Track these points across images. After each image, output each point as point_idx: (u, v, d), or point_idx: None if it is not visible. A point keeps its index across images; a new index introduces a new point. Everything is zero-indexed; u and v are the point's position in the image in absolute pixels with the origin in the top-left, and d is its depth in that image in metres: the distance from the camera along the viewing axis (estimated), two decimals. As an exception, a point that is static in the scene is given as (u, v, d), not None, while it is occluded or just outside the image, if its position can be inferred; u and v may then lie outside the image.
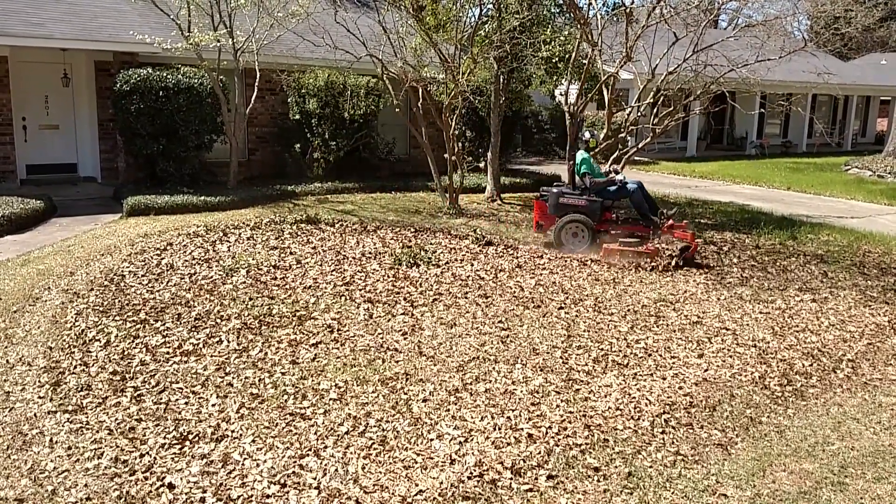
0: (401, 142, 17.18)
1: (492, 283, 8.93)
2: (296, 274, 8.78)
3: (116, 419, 5.33)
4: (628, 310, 8.26)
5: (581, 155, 10.92)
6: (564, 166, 12.33)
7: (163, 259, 9.04)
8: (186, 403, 5.62)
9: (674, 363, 6.85)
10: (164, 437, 5.10)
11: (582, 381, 6.35)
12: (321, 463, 4.87)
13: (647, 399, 6.05)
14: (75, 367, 6.14)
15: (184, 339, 6.76)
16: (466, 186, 14.30)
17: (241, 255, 9.33)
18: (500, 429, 5.41)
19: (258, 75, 13.77)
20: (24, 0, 13.40)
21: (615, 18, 13.36)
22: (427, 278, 8.93)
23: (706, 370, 6.73)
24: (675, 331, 7.69)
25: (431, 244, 10.46)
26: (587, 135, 11.01)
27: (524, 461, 4.99)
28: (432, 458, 4.97)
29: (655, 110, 12.42)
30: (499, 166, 15.10)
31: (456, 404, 5.77)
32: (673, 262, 9.91)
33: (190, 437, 5.14)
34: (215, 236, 10.13)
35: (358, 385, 6.02)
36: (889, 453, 5.34)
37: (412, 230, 11.22)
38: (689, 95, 12.76)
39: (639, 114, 12.08)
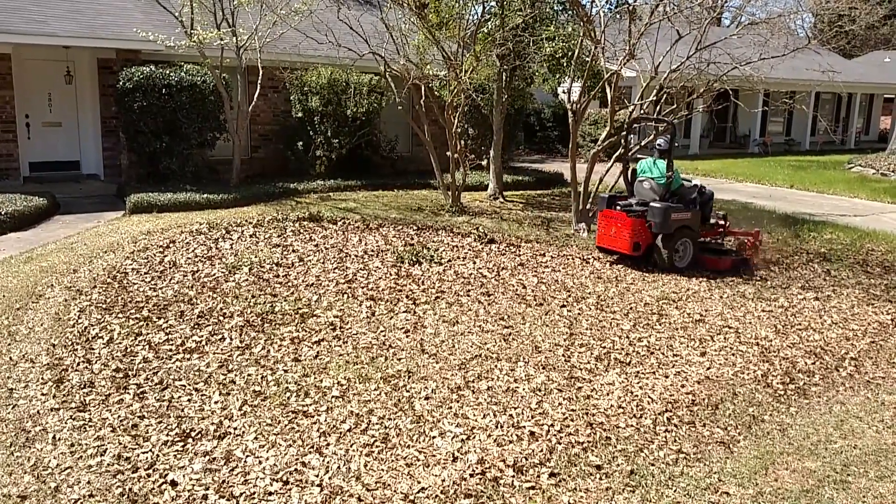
0: (403, 139, 17.17)
1: (494, 281, 8.93)
2: (298, 271, 8.78)
3: (119, 416, 5.34)
4: (631, 308, 8.25)
5: (655, 163, 10.14)
6: (567, 164, 12.29)
7: (165, 256, 9.05)
8: (189, 401, 5.63)
9: (676, 361, 6.85)
10: (167, 435, 5.11)
11: (584, 379, 6.35)
12: (323, 460, 4.88)
13: (649, 397, 6.05)
14: (78, 364, 6.15)
15: (186, 337, 6.77)
16: (469, 184, 14.29)
17: (243, 252, 9.34)
18: (502, 426, 5.42)
19: (261, 73, 13.76)
20: (27, -3, 13.42)
21: (618, 16, 13.33)
22: (429, 276, 8.93)
23: (709, 368, 6.72)
24: (677, 329, 7.69)
25: (434, 242, 10.46)
26: (661, 142, 10.19)
27: (526, 459, 4.99)
28: (434, 456, 4.98)
29: (658, 108, 12.39)
30: (501, 164, 15.08)
31: (458, 402, 5.78)
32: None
33: (192, 434, 5.15)
34: (218, 234, 10.14)
35: (360, 383, 6.02)
36: (892, 452, 5.34)
37: (414, 228, 11.22)
38: (692, 93, 12.73)
39: (642, 111, 12.04)
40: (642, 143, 12.02)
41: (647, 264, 9.92)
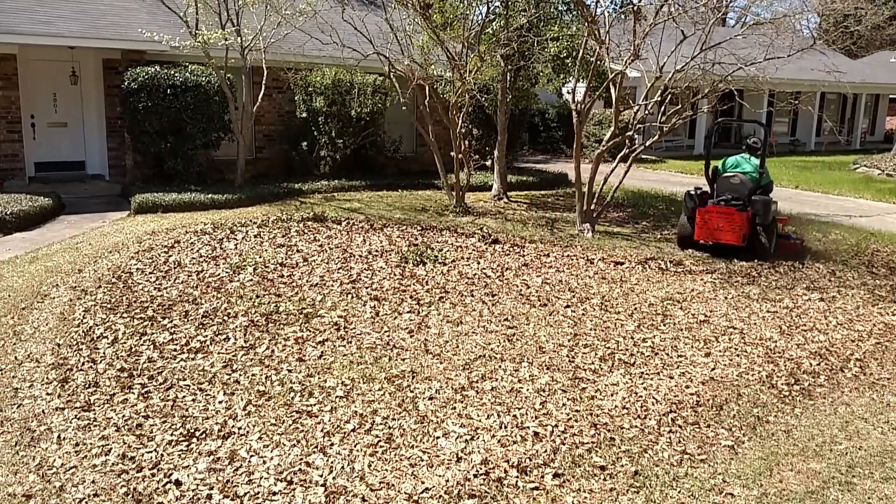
0: (407, 140, 17.18)
1: (498, 282, 8.92)
2: (303, 272, 8.79)
3: (124, 416, 5.35)
4: (635, 308, 8.24)
5: (749, 159, 10.91)
6: (571, 164, 12.31)
7: (170, 256, 9.07)
8: (193, 400, 5.64)
9: (681, 362, 6.83)
10: (172, 434, 5.12)
11: (588, 379, 6.34)
12: (327, 460, 4.88)
13: (653, 398, 6.04)
14: (83, 363, 6.17)
15: (191, 337, 6.78)
16: (473, 185, 14.29)
17: (248, 252, 9.35)
18: (506, 427, 5.41)
19: (265, 73, 13.79)
20: (33, -2, 13.46)
21: (622, 16, 13.31)
22: (433, 276, 8.93)
23: (713, 369, 6.71)
24: (682, 329, 7.68)
25: (438, 242, 10.46)
26: (755, 140, 11.16)
27: (530, 459, 4.99)
28: (438, 456, 4.98)
29: (663, 108, 12.37)
30: (505, 164, 15.08)
31: (462, 402, 5.77)
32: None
33: (197, 434, 5.15)
34: (223, 234, 10.15)
35: (364, 383, 6.02)
36: (897, 453, 5.32)
37: (419, 228, 11.22)
38: (697, 93, 12.70)
39: (646, 112, 12.03)
40: (646, 144, 12.00)
41: (746, 255, 10.54)
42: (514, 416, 5.58)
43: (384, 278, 8.73)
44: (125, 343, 6.58)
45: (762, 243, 10.48)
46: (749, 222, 10.42)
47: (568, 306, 8.20)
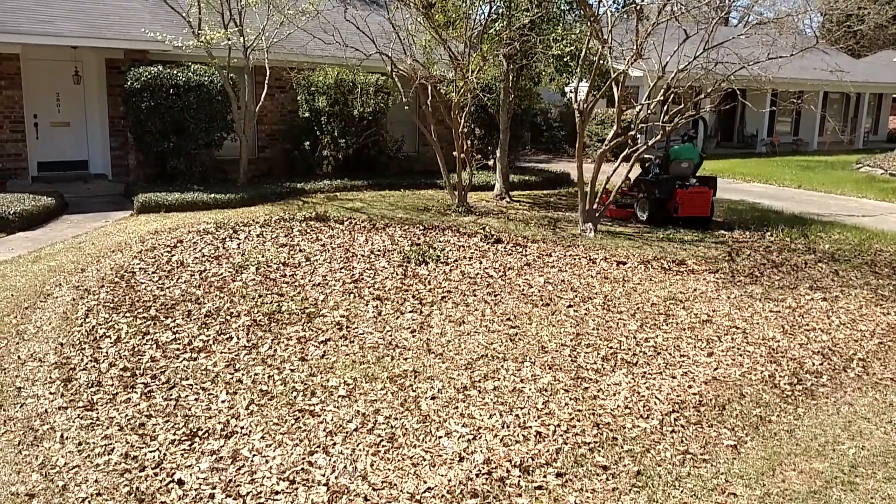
0: (410, 139, 17.17)
1: (500, 281, 8.92)
2: (305, 271, 8.80)
3: (126, 415, 5.36)
4: (637, 308, 8.24)
5: (693, 147, 13.09)
6: (573, 164, 12.37)
7: (173, 256, 9.08)
8: (196, 400, 5.64)
9: (683, 362, 6.83)
10: (174, 434, 5.13)
11: (591, 379, 6.34)
12: (330, 460, 4.88)
13: (656, 397, 6.04)
14: (86, 363, 6.17)
15: (194, 336, 6.79)
16: (475, 184, 14.28)
17: (250, 252, 9.36)
18: (508, 427, 5.41)
19: (268, 73, 13.79)
20: (35, -2, 13.48)
21: (625, 15, 13.31)
22: (436, 276, 8.93)
23: (716, 369, 6.71)
24: (684, 329, 7.67)
25: (440, 242, 10.46)
26: (693, 132, 13.64)
27: (533, 459, 4.99)
28: (441, 456, 4.98)
29: (665, 108, 12.38)
30: (508, 164, 15.07)
31: (464, 402, 5.77)
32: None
33: (199, 433, 5.16)
34: (225, 233, 10.16)
35: (367, 382, 6.03)
36: (900, 453, 5.31)
37: (421, 228, 11.22)
38: (700, 93, 12.70)
39: (649, 111, 12.02)
40: (649, 143, 11.99)
41: (709, 223, 12.86)
42: (517, 415, 5.59)
43: (386, 278, 8.73)
44: (128, 342, 6.59)
45: (713, 212, 13.11)
46: (711, 198, 12.89)
47: (570, 306, 8.20)
